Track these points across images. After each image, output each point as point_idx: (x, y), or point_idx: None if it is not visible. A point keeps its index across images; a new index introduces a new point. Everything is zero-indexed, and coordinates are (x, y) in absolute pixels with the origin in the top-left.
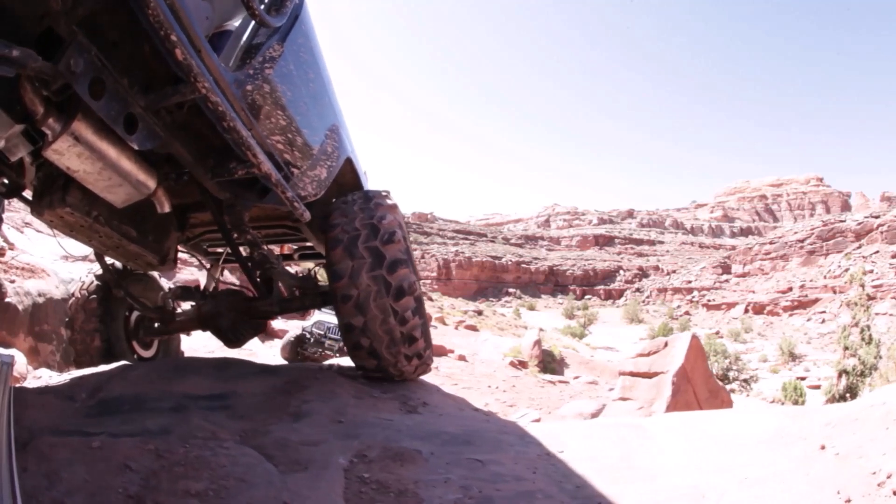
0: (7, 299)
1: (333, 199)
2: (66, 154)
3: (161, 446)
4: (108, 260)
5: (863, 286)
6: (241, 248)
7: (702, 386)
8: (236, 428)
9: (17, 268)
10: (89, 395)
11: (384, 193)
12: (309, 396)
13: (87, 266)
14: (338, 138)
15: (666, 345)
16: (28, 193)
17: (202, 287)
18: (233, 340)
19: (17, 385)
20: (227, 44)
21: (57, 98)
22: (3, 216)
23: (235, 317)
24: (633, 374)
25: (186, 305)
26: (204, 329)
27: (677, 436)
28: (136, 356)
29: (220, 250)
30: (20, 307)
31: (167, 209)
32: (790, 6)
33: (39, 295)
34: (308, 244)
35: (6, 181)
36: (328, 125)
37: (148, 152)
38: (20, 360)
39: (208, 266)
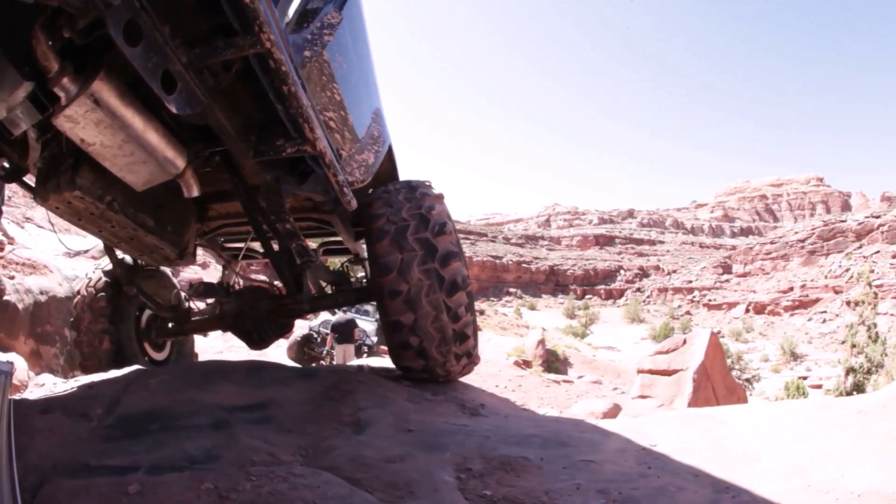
0: (6, 297)
1: (370, 189)
2: (81, 122)
3: (220, 482)
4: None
5: (869, 284)
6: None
7: (720, 383)
8: (292, 444)
9: (17, 263)
10: (106, 410)
11: (427, 183)
12: (361, 402)
13: (90, 263)
14: (382, 123)
15: (685, 342)
16: (31, 181)
17: (224, 284)
18: (257, 341)
19: (18, 395)
20: (279, 5)
21: (81, 40)
22: (3, 209)
23: (261, 316)
24: (651, 372)
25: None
26: (225, 329)
27: (744, 424)
28: (147, 359)
29: (238, 245)
30: (20, 306)
31: (196, 193)
32: (790, 6)
33: (41, 293)
34: (336, 239)
35: (6, 164)
36: (374, 108)
37: (176, 125)
38: (20, 366)
39: (228, 261)
